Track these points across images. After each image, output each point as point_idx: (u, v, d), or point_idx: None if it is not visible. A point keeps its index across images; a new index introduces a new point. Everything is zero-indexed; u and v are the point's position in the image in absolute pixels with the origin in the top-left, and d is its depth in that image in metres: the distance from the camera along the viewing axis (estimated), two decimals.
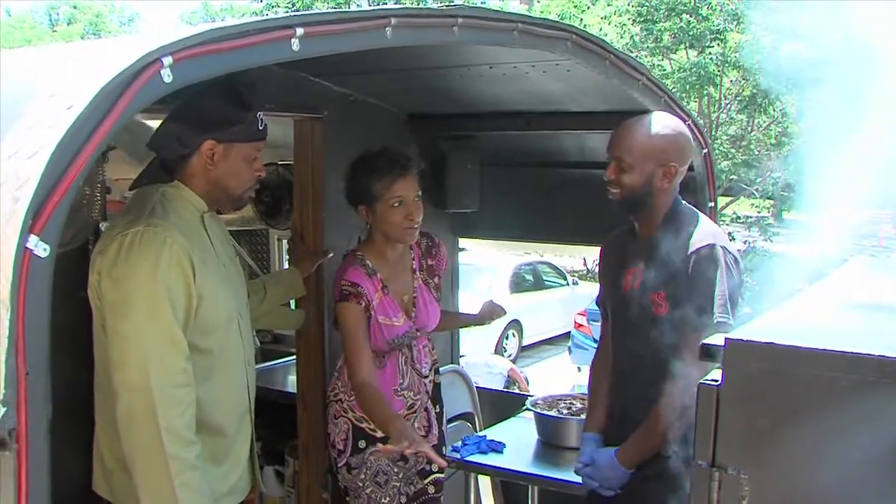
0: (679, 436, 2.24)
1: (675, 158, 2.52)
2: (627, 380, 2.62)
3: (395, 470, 2.90)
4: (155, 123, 2.35)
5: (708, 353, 1.33)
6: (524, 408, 3.61)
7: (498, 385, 8.51)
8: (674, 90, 3.66)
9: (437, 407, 3.06)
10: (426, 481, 2.95)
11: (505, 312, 3.35)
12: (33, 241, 1.50)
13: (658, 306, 2.44)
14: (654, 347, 2.42)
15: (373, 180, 2.77)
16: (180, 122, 2.24)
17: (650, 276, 2.48)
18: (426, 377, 3.01)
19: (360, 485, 2.89)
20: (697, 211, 2.64)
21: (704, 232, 2.49)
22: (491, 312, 3.31)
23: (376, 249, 2.90)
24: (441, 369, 3.23)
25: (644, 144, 2.51)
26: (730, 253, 2.45)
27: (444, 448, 3.06)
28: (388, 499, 2.89)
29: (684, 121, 2.78)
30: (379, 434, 2.85)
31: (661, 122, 2.56)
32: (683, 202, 2.62)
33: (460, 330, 4.56)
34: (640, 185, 2.51)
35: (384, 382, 2.88)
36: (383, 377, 2.89)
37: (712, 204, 3.45)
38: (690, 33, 13.53)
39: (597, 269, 2.91)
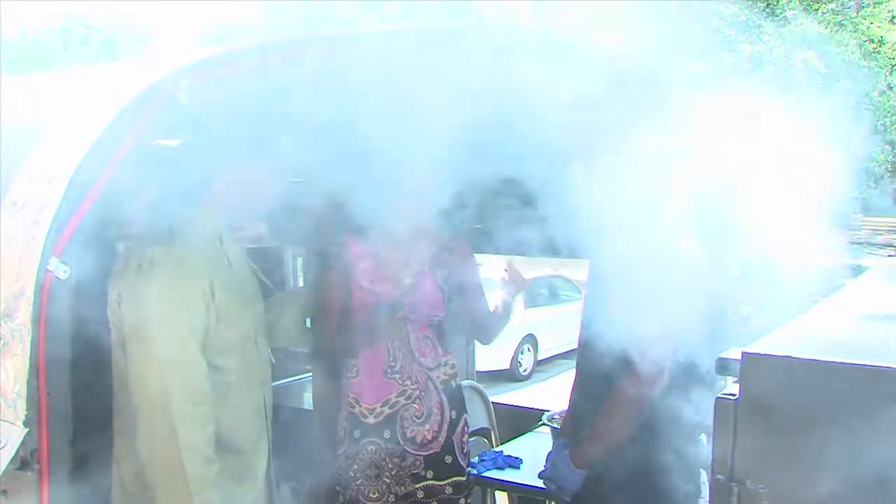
0: (627, 440, 2.26)
1: None
2: (581, 371, 2.60)
3: (390, 466, 2.85)
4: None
5: (723, 366, 1.32)
6: (540, 423, 3.59)
7: None
8: None
9: (454, 413, 2.95)
10: (417, 486, 2.90)
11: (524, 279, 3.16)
12: (54, 264, 1.52)
13: (613, 302, 2.31)
14: (604, 342, 2.30)
15: None
16: None
17: (610, 268, 2.32)
18: (430, 370, 2.92)
19: (352, 475, 2.87)
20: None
21: (672, 231, 2.28)
22: (512, 277, 3.09)
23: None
24: None
25: None
26: (693, 255, 2.25)
27: (448, 458, 2.91)
28: (376, 494, 2.85)
29: None
30: (370, 421, 2.85)
31: None
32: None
33: (475, 345, 4.53)
34: None
35: (374, 362, 2.86)
36: (374, 356, 2.87)
37: None
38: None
39: None
